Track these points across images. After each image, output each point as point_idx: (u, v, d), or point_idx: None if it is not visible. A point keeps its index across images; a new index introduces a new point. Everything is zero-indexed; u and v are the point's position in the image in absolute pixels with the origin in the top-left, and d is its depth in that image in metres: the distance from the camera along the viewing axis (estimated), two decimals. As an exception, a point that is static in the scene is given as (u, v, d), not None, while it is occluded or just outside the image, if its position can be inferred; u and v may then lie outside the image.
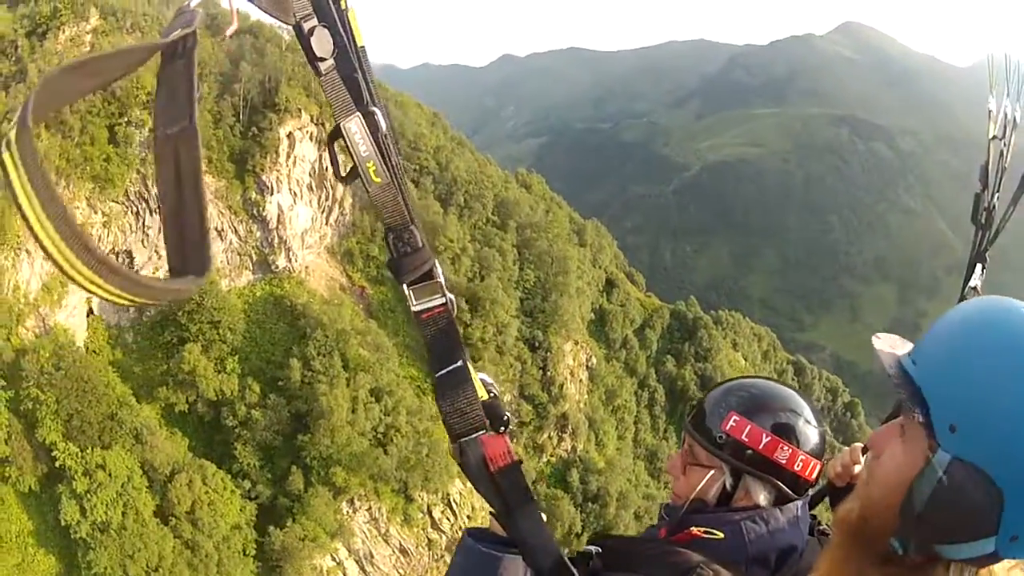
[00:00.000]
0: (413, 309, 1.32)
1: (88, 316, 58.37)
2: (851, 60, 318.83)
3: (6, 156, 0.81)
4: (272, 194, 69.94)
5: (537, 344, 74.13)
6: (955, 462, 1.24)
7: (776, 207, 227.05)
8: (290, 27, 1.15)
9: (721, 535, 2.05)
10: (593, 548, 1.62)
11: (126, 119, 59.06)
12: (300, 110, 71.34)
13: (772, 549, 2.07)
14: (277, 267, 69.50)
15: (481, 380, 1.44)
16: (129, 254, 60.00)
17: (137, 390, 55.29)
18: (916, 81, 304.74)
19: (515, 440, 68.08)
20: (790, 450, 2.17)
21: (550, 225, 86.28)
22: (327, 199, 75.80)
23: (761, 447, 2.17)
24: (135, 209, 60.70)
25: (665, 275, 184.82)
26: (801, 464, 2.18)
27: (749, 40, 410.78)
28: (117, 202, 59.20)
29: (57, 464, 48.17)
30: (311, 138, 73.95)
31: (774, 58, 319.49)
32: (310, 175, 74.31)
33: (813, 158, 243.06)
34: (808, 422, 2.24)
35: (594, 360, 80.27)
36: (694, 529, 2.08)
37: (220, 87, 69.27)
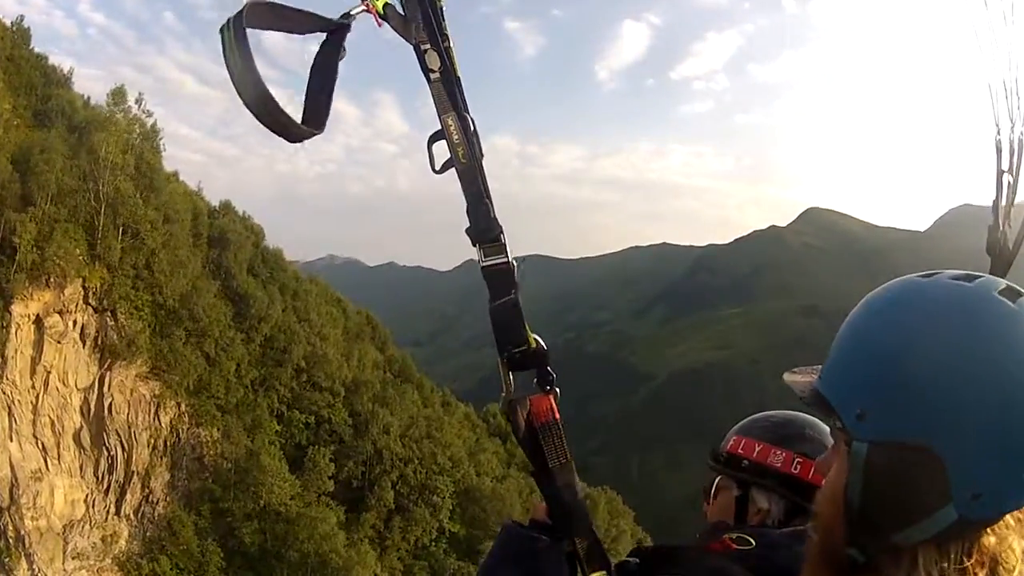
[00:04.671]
0: (481, 264, 1.56)
1: None
2: (816, 248, 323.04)
3: (225, 33, 1.24)
4: (-7, 441, 36.08)
5: None
6: (873, 447, 1.19)
7: (749, 410, 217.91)
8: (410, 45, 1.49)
9: (753, 543, 2.05)
10: (632, 559, 1.68)
11: None
12: (64, 275, 38.61)
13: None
14: (18, 584, 37.19)
15: (535, 337, 1.61)
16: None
17: None
18: (882, 257, 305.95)
19: None
20: (783, 454, 2.26)
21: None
22: (114, 464, 40.64)
23: (755, 455, 2.30)
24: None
25: (632, 493, 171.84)
26: (799, 466, 2.23)
27: (712, 240, 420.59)
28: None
29: None
30: (82, 335, 39.23)
31: (738, 256, 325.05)
32: (81, 412, 39.34)
33: (783, 355, 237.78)
34: (811, 431, 2.29)
35: None
36: (726, 537, 2.08)
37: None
